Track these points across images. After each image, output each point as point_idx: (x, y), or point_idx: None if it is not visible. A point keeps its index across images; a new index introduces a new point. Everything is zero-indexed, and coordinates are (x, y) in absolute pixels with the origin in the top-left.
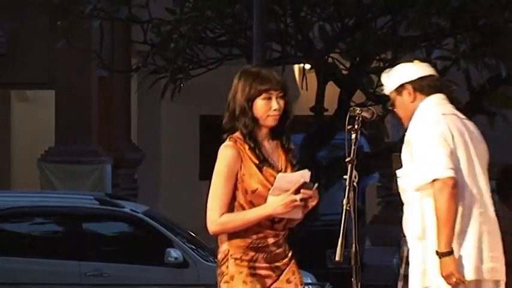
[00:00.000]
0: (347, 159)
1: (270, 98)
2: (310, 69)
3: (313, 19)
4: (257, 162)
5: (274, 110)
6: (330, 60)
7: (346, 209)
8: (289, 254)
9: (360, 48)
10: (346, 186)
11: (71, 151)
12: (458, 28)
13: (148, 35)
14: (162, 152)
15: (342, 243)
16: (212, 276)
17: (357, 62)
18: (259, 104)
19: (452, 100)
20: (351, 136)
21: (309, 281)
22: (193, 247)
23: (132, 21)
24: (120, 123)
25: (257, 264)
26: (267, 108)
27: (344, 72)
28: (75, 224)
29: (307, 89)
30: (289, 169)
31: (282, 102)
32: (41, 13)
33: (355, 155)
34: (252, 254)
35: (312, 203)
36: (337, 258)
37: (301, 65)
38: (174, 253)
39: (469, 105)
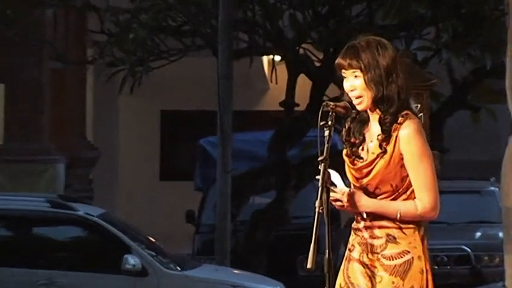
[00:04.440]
0: (320, 158)
1: None
2: (280, 60)
3: (283, 7)
4: None
5: None
6: (301, 51)
7: (318, 212)
8: None
9: (333, 38)
10: (318, 187)
11: (21, 149)
12: (440, 16)
13: (105, 24)
14: (119, 150)
15: (314, 249)
16: (173, 284)
17: (330, 53)
18: None
19: (433, 94)
20: (324, 133)
21: None
22: (153, 254)
23: (88, 9)
24: (74, 119)
25: None
26: None
27: (317, 64)
28: (25, 228)
29: (276, 82)
30: None
31: None
32: None
33: (328, 153)
34: None
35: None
36: (308, 266)
37: (271, 56)
38: (132, 260)
39: (451, 100)
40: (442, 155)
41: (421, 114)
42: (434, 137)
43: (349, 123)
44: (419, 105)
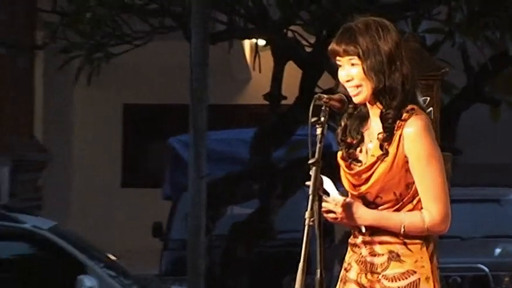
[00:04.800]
0: (311, 161)
1: None
2: (265, 45)
3: None
4: None
5: None
6: (289, 34)
7: (309, 225)
8: None
9: (327, 19)
10: (309, 196)
11: None
12: None
13: (58, 2)
14: (74, 151)
15: (303, 268)
16: None
17: (324, 36)
18: None
19: (445, 85)
20: (315, 131)
21: None
22: (113, 274)
23: None
24: (20, 114)
25: None
26: None
27: (307, 49)
28: None
29: (260, 71)
30: None
31: None
32: None
33: (320, 155)
34: None
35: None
36: (297, 287)
37: (253, 40)
38: (88, 282)
39: (466, 92)
40: (454, 157)
41: (431, 108)
42: (446, 136)
43: (345, 120)
44: (428, 99)
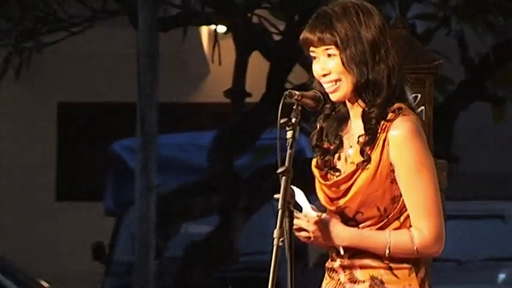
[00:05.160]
0: (280, 170)
1: None
2: (225, 33)
3: None
4: None
5: None
6: (254, 19)
7: (278, 245)
8: None
9: (299, 2)
10: (278, 211)
11: None
12: None
13: None
14: (0, 159)
15: None
16: None
17: (295, 22)
18: None
19: (439, 80)
20: (286, 134)
21: None
22: None
23: None
24: None
25: None
26: None
27: (276, 37)
28: None
29: (220, 63)
30: None
31: None
32: None
33: (291, 163)
34: None
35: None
36: None
37: (212, 26)
38: None
39: (464, 87)
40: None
41: (422, 107)
42: (440, 140)
43: (321, 121)
44: (419, 96)
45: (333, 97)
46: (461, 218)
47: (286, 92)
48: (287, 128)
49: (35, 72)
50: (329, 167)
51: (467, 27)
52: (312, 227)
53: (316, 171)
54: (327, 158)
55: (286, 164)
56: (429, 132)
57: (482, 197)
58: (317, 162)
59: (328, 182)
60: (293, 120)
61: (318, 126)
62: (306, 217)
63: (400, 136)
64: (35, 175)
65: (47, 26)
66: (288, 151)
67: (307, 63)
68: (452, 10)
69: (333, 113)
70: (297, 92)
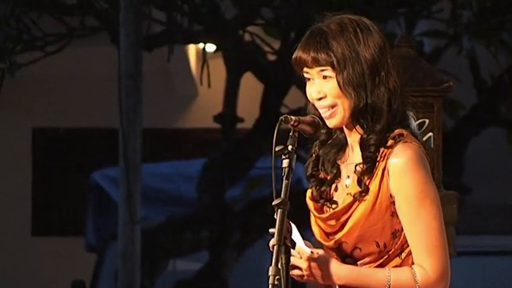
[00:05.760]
0: (275, 202)
1: None
2: (215, 51)
3: None
4: None
5: None
6: (247, 37)
7: (273, 284)
8: None
9: (296, 17)
10: (273, 247)
11: None
12: None
13: None
14: None
15: None
16: None
17: (291, 40)
18: None
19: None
20: (281, 163)
21: None
22: None
23: None
24: None
25: None
26: None
27: (271, 57)
28: None
29: (209, 85)
30: None
31: None
32: None
33: (287, 194)
34: None
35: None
36: None
37: (201, 45)
38: None
39: (476, 112)
40: (461, 196)
41: (430, 134)
42: (450, 170)
43: (316, 149)
44: (427, 121)
45: (329, 123)
46: (472, 255)
47: (282, 117)
48: (283, 156)
49: (6, 95)
50: (325, 199)
51: (480, 45)
52: (304, 264)
53: (310, 204)
54: (323, 189)
55: (282, 195)
56: (438, 160)
57: (495, 231)
58: (312, 193)
59: (323, 215)
60: (289, 147)
61: (314, 155)
62: (299, 254)
63: (401, 164)
64: (9, 209)
65: (19, 45)
66: (284, 181)
67: (304, 85)
68: (463, 27)
69: (330, 140)
70: (293, 117)
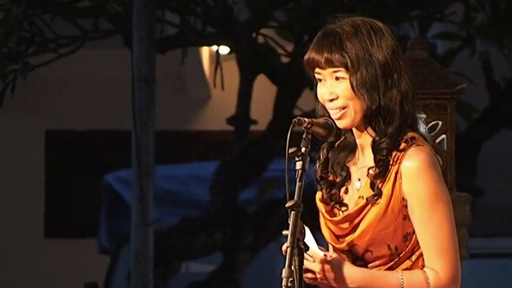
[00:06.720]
0: (289, 204)
1: None
2: (229, 54)
3: None
4: None
5: None
6: (260, 39)
7: (286, 286)
8: None
9: (309, 20)
10: (287, 249)
11: None
12: None
13: None
14: None
15: None
16: None
17: (304, 42)
18: None
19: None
20: (295, 165)
21: None
22: None
23: None
24: None
25: None
26: None
27: (284, 59)
28: None
29: (222, 88)
30: None
31: None
32: None
33: (301, 196)
34: None
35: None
36: None
37: (214, 47)
38: None
39: (489, 114)
40: (474, 198)
41: (443, 136)
42: (463, 172)
43: (324, 151)
44: (440, 123)
45: (340, 124)
46: (485, 257)
47: (295, 119)
48: (296, 159)
49: (20, 97)
50: (335, 201)
51: (493, 47)
52: (317, 267)
53: (321, 206)
54: (333, 192)
55: (296, 197)
56: (451, 162)
57: (509, 233)
58: (322, 196)
59: (334, 218)
60: (302, 149)
61: (323, 157)
62: (312, 257)
63: (414, 168)
64: (22, 211)
65: (33, 47)
66: (297, 183)
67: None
68: (476, 29)
69: (339, 142)
70: (306, 119)
